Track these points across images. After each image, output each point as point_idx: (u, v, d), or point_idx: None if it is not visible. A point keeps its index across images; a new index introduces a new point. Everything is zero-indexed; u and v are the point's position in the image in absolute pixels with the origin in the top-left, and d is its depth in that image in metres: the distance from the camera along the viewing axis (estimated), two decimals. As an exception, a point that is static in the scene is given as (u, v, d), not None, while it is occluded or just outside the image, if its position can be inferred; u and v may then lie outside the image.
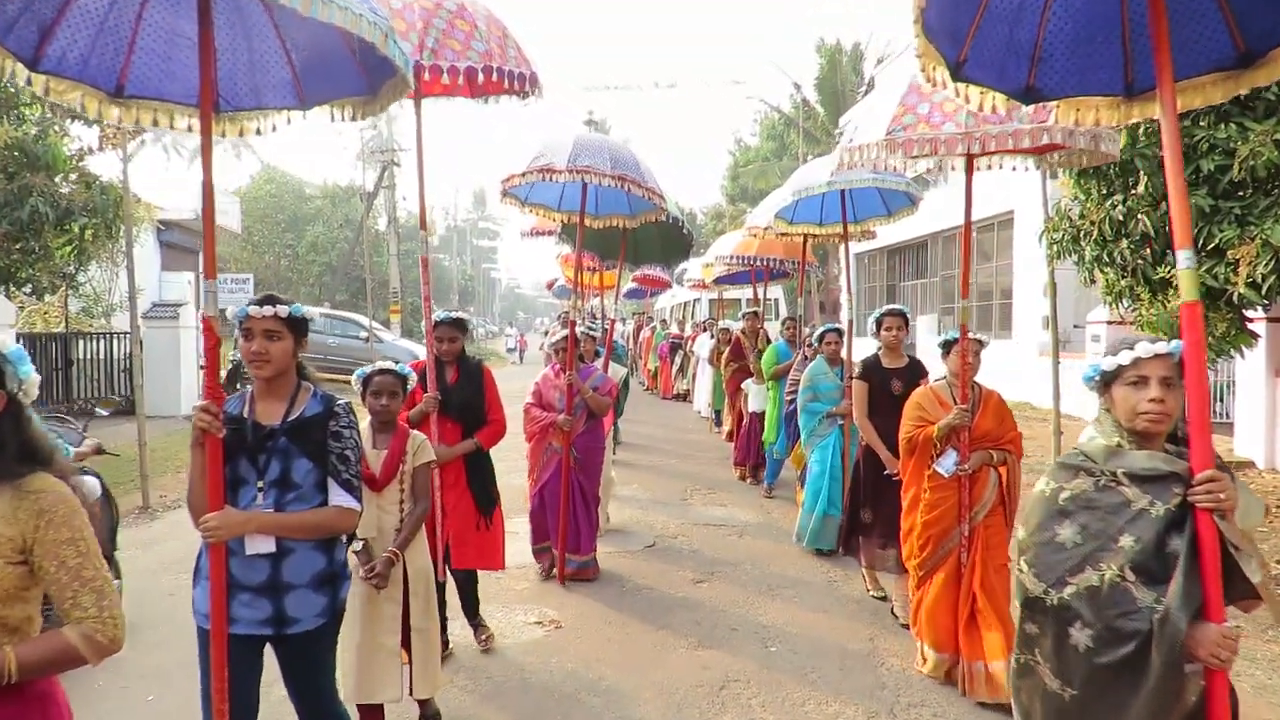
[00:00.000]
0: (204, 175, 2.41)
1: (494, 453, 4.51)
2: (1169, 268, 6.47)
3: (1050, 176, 7.73)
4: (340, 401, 2.56)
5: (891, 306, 5.10)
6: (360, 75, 2.73)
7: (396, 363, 3.61)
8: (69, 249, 10.93)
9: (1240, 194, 6.08)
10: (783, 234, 7.69)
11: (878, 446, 4.88)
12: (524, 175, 5.09)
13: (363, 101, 2.80)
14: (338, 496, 2.49)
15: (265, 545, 2.41)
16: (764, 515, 7.56)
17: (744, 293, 17.67)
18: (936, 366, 4.87)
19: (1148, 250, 6.69)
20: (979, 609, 3.95)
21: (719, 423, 12.56)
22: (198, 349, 14.81)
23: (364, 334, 19.09)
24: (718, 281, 12.68)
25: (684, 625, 4.84)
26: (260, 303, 2.45)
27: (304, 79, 2.83)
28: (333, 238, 36.10)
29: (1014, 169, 4.81)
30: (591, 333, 6.81)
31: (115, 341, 14.30)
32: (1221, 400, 14.41)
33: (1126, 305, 7.25)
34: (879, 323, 5.05)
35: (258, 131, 2.89)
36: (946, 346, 4.16)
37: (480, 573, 4.52)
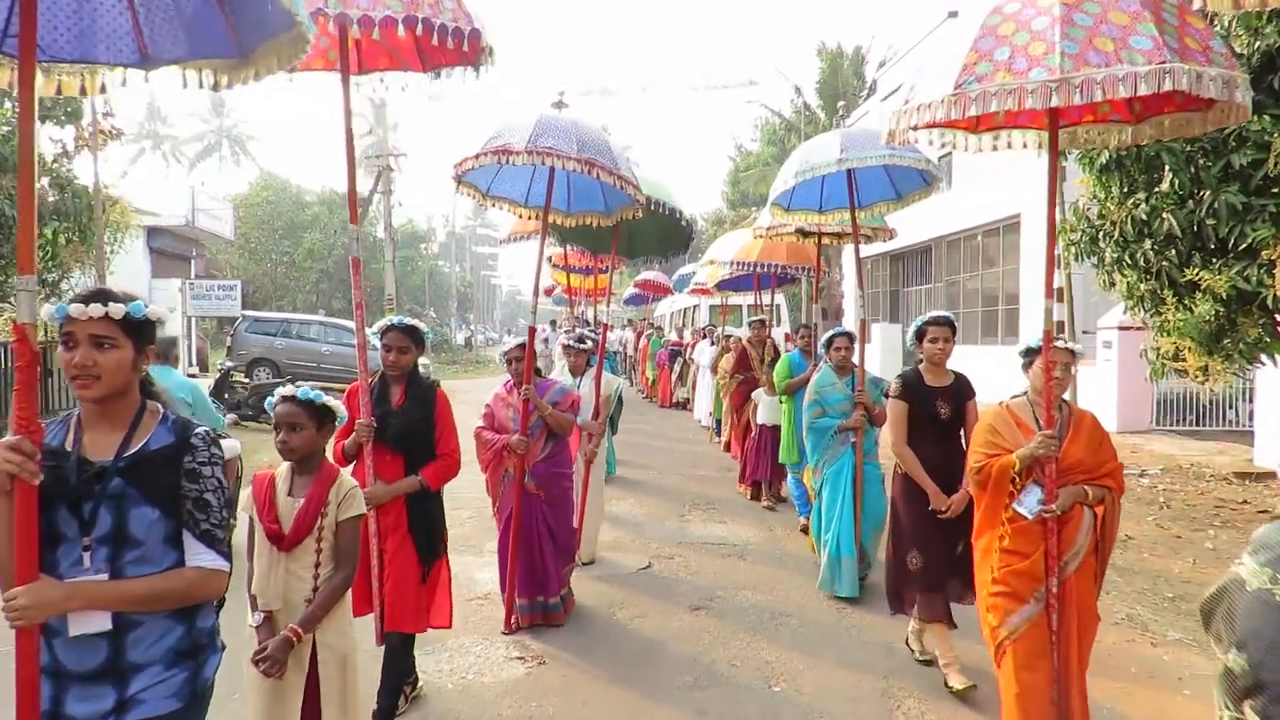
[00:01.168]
0: (20, 141, 1.91)
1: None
2: (1197, 269, 6.08)
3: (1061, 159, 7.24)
4: (199, 430, 1.99)
5: (937, 314, 4.27)
6: (227, 32, 2.27)
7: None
8: (41, 254, 10.54)
9: (1275, 190, 5.69)
10: (772, 231, 7.16)
11: (922, 480, 4.11)
12: (478, 158, 4.36)
13: (229, 66, 2.34)
14: (197, 554, 1.94)
15: (97, 623, 1.85)
16: (766, 533, 7.15)
17: (746, 299, 17.29)
18: (979, 383, 4.52)
19: (1173, 251, 6.31)
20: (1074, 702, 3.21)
21: (719, 431, 12.16)
22: (185, 358, 14.45)
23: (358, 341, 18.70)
24: (720, 286, 12.15)
25: (680, 661, 4.43)
26: (86, 299, 1.88)
27: (148, 30, 2.34)
28: (330, 244, 35.84)
29: (1033, 148, 3.92)
30: (579, 344, 6.09)
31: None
32: (1232, 408, 14.05)
33: (1148, 310, 6.86)
34: (921, 333, 4.26)
35: (82, 91, 2.40)
36: (1028, 356, 3.47)
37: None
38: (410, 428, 3.65)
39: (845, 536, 5.34)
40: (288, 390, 2.72)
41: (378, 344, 3.72)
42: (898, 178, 5.90)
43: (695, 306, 22.30)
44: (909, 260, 23.78)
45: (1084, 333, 16.00)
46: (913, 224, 17.65)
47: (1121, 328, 13.14)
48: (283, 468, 2.81)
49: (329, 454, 3.30)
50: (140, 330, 1.94)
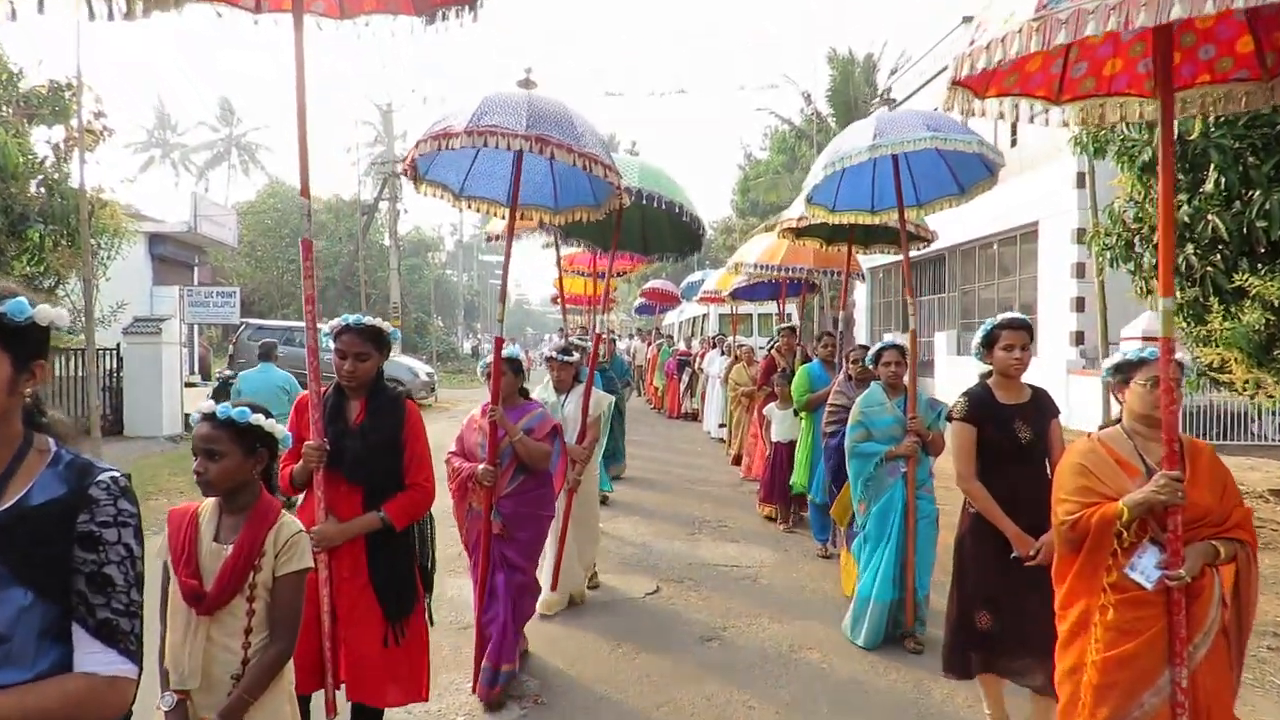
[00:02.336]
0: None
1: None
2: (1245, 275, 5.67)
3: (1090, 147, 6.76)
4: (104, 475, 1.48)
5: (1011, 316, 3.49)
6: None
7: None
8: (26, 258, 10.21)
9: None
10: (803, 222, 6.15)
11: (999, 519, 3.34)
12: (419, 145, 3.77)
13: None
14: (89, 655, 1.41)
15: None
16: (781, 553, 6.75)
17: (758, 308, 16.92)
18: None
19: (1219, 256, 5.91)
20: None
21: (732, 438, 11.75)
22: (183, 366, 14.13)
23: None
24: (734, 295, 11.59)
25: (691, 703, 4.02)
26: None
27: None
28: (336, 252, 35.62)
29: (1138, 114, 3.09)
30: (563, 357, 5.25)
31: (95, 358, 13.55)
32: (1256, 421, 13.59)
33: (1189, 318, 6.44)
34: (990, 339, 3.45)
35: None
36: (1121, 373, 2.72)
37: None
38: (371, 451, 2.97)
39: (884, 577, 4.62)
40: (207, 406, 2.19)
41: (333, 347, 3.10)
42: (958, 168, 5.16)
43: (704, 315, 21.94)
44: (922, 269, 23.35)
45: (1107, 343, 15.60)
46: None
47: (1145, 338, 12.67)
48: (208, 503, 2.25)
49: (283, 485, 2.89)
50: (21, 338, 1.44)
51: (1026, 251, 17.93)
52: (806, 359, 8.22)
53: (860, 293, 27.40)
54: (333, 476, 2.97)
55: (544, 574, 4.88)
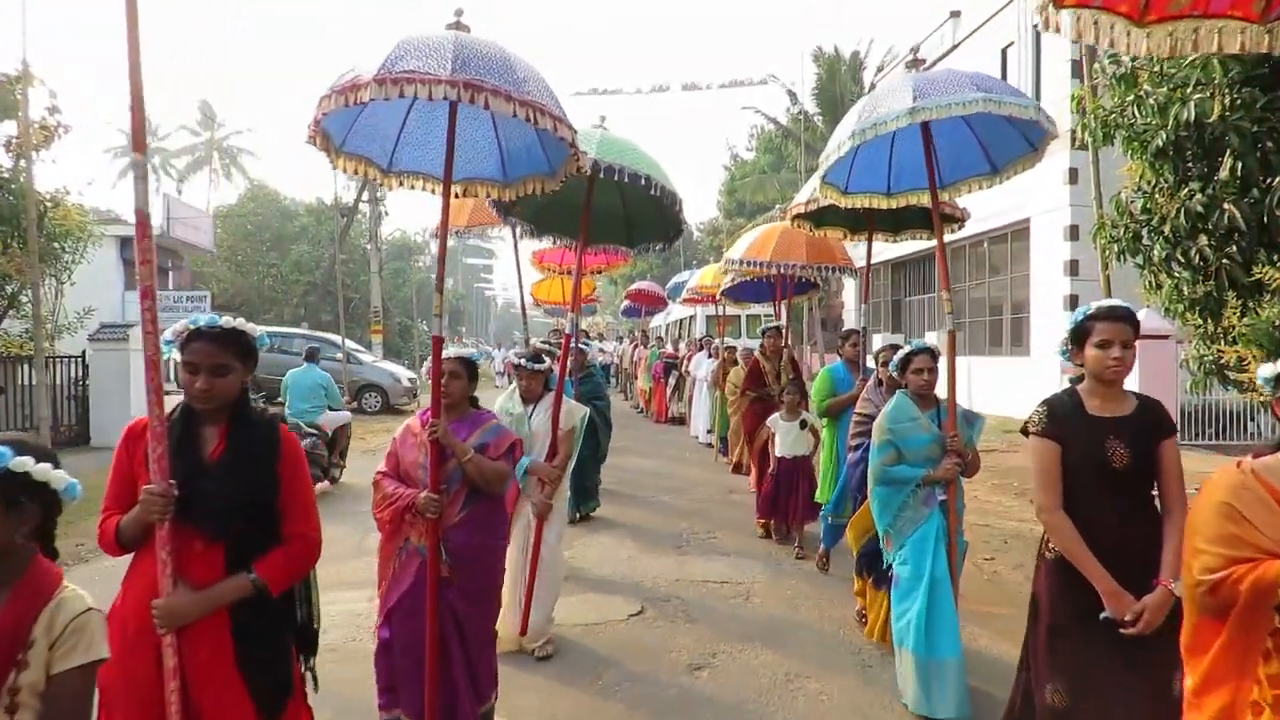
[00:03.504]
0: None
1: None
2: (1264, 267, 5.33)
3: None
4: None
5: (1111, 304, 2.70)
6: None
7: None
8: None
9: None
10: (812, 204, 5.37)
11: (1087, 566, 2.56)
12: (324, 102, 3.02)
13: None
14: None
15: None
16: (773, 566, 6.36)
17: (745, 310, 16.55)
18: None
19: (1234, 247, 5.57)
20: None
21: (726, 450, 11.34)
22: (163, 371, 13.63)
23: (340, 355, 17.88)
24: (727, 294, 10.95)
25: (678, 742, 3.63)
26: None
27: None
28: (318, 256, 35.09)
29: None
30: (532, 364, 4.54)
31: (59, 366, 13.05)
32: (1254, 420, 13.33)
33: (1201, 313, 6.09)
34: (1082, 331, 2.69)
35: None
36: None
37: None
38: (235, 495, 2.25)
39: (945, 631, 3.72)
40: None
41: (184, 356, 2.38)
42: (991, 142, 4.41)
43: (691, 317, 21.58)
44: (911, 269, 23.11)
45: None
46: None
47: (1144, 336, 12.37)
48: None
49: (104, 543, 2.28)
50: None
51: (1018, 249, 17.66)
52: (794, 363, 7.83)
53: (849, 292, 27.14)
54: (182, 530, 2.20)
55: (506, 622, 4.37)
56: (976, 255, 19.62)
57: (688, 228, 48.55)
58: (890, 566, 4.02)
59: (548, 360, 4.63)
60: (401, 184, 4.01)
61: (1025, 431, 2.81)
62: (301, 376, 9.14)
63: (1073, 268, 15.36)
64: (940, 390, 4.01)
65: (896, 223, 6.05)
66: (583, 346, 8.50)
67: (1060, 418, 2.72)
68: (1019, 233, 17.42)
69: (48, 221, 9.41)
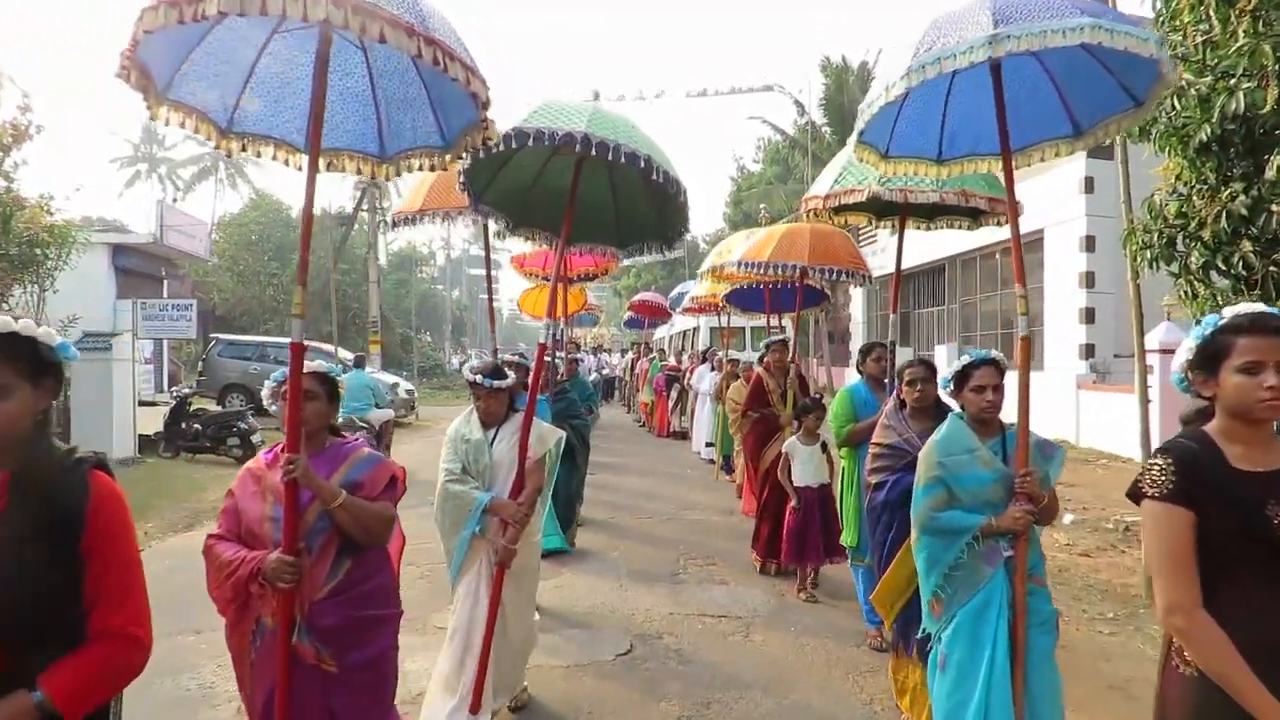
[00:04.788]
0: None
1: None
2: (1318, 276, 4.85)
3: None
4: None
5: (1257, 310, 1.91)
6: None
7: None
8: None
9: None
10: (831, 201, 4.63)
11: (1255, 700, 1.73)
12: (146, 16, 2.18)
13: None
14: None
15: None
16: (775, 598, 5.86)
17: (751, 321, 16.07)
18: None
19: (1282, 254, 5.08)
20: None
21: (729, 468, 10.82)
22: (134, 383, 13.21)
23: (339, 366, 17.45)
24: (729, 300, 9.92)
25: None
26: None
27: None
28: (320, 266, 34.75)
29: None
30: (491, 380, 3.72)
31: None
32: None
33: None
34: (1218, 350, 1.92)
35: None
36: None
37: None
38: (15, 570, 1.54)
39: None
40: None
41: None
42: (1076, 94, 3.32)
43: (695, 329, 21.13)
44: (920, 280, 22.61)
45: (1115, 356, 14.80)
46: (923, 242, 16.51)
47: (1163, 350, 11.90)
48: None
49: None
50: None
51: (1031, 261, 17.16)
52: (802, 380, 6.97)
53: (857, 303, 26.66)
54: None
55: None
56: (988, 267, 19.16)
57: (691, 238, 48.17)
58: (934, 639, 3.09)
59: (512, 375, 3.86)
60: (245, 149, 3.07)
61: (1137, 494, 2.00)
62: (351, 380, 10.70)
63: (1089, 280, 14.88)
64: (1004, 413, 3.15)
65: (932, 207, 5.06)
66: (571, 358, 7.96)
67: (1194, 475, 1.88)
68: (1032, 244, 16.93)
69: (13, 224, 8.97)
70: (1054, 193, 15.06)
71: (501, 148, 3.33)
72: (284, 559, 2.41)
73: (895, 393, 4.05)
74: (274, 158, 3.11)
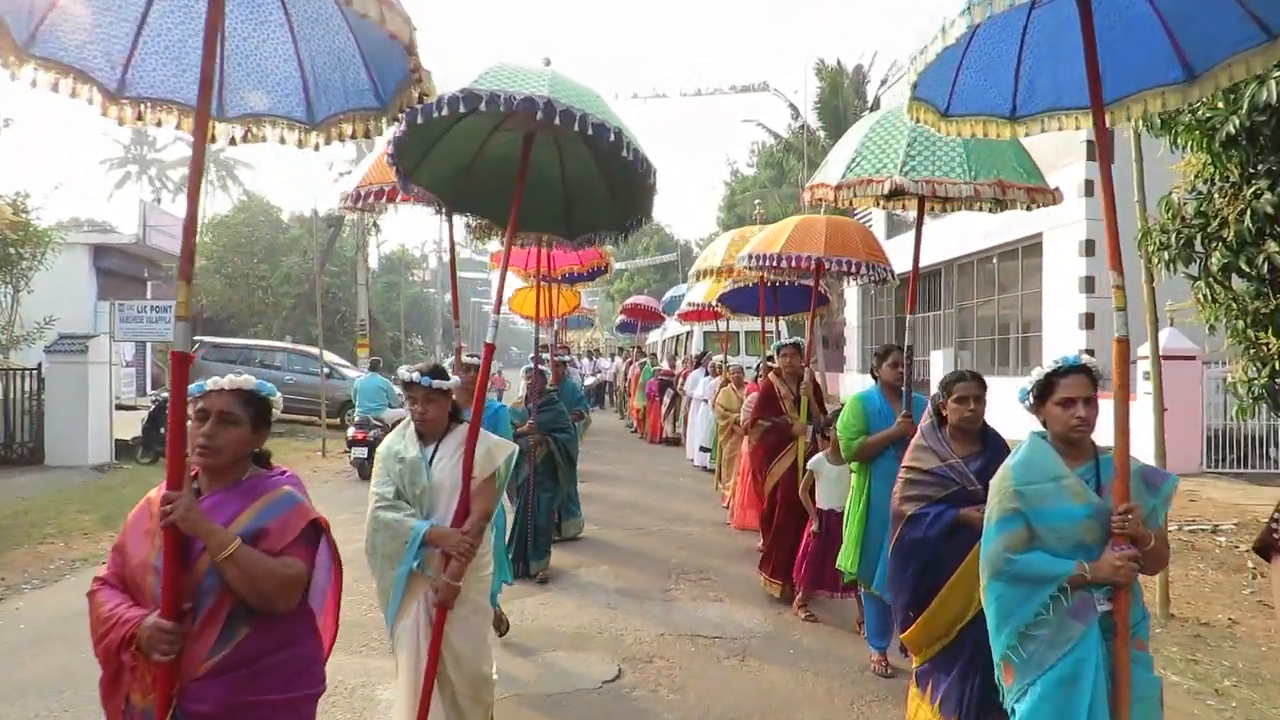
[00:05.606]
0: None
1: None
2: (1348, 279, 4.57)
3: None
4: None
5: None
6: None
7: None
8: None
9: None
10: (847, 189, 4.12)
11: None
12: None
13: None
14: None
15: None
16: (772, 616, 5.55)
17: (746, 325, 15.77)
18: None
19: (1311, 256, 4.80)
20: None
21: (725, 477, 10.49)
22: (111, 387, 12.84)
23: (326, 369, 16.99)
24: (722, 300, 9.34)
25: None
26: None
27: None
28: (308, 269, 34.38)
29: None
30: (433, 382, 3.12)
31: (13, 379, 12.26)
32: (1276, 445, 12.57)
33: (1271, 332, 5.31)
34: None
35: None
36: None
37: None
38: None
39: None
40: None
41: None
42: (1186, 31, 2.67)
43: (688, 333, 20.83)
44: (917, 284, 22.34)
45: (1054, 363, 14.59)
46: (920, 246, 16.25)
47: (1167, 356, 11.66)
48: None
49: None
50: None
51: (1029, 266, 16.95)
52: (816, 387, 6.21)
53: (852, 308, 26.41)
54: None
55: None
56: (985, 271, 18.93)
57: (685, 242, 47.83)
58: (1010, 713, 2.52)
59: (454, 379, 3.24)
60: (142, 118, 2.56)
61: (1266, 548, 1.76)
62: (366, 382, 12.97)
63: (1088, 284, 14.65)
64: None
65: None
66: (560, 360, 7.55)
67: None
68: (1031, 248, 16.72)
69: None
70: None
71: (446, 111, 2.82)
72: (160, 624, 1.93)
73: (931, 407, 3.41)
74: (178, 127, 2.59)
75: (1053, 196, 4.18)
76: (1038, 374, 2.56)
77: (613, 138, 2.95)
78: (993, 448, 3.21)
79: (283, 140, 2.71)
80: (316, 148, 2.75)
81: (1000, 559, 2.46)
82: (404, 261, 51.36)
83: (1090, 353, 15.03)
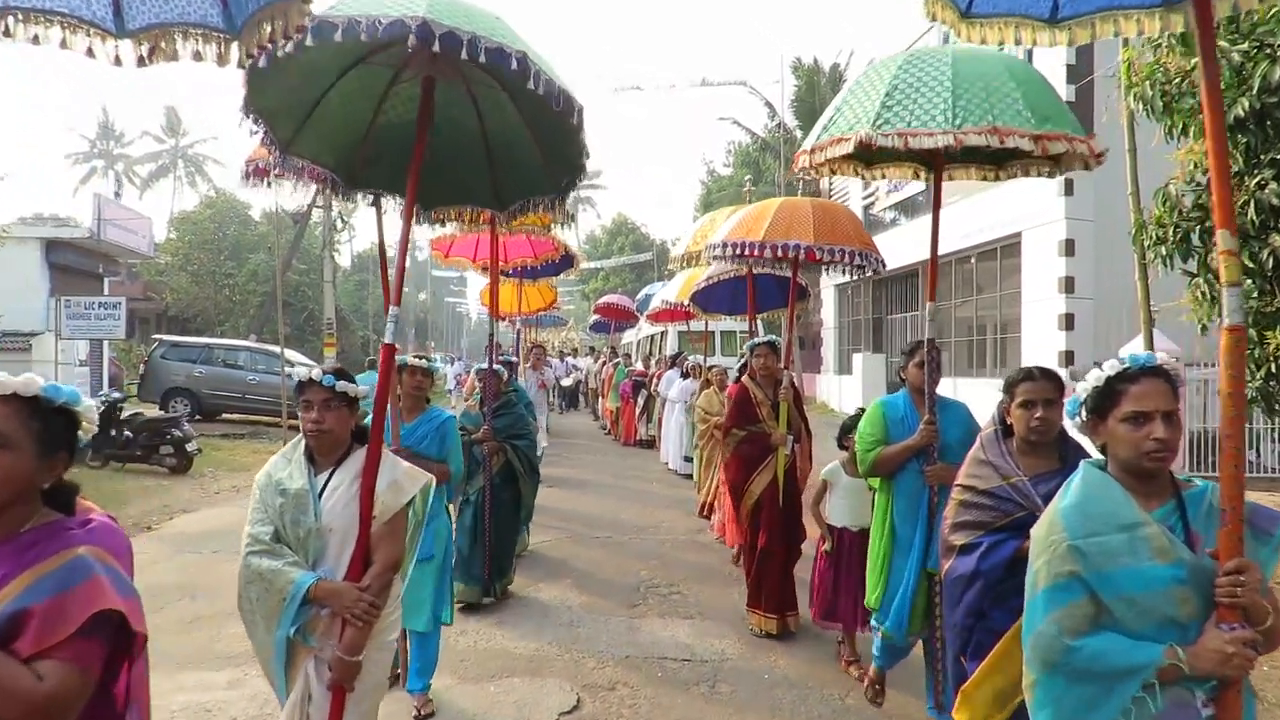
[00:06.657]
0: None
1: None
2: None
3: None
4: None
5: None
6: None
7: None
8: None
9: None
10: (828, 164, 3.53)
11: None
12: None
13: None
14: None
15: None
16: (745, 635, 5.16)
17: (721, 324, 15.35)
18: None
19: (1319, 250, 4.51)
20: None
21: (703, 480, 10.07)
22: (92, 382, 12.25)
23: (289, 368, 16.43)
24: (694, 300, 8.53)
25: None
26: None
27: None
28: (275, 266, 33.68)
29: None
30: (328, 380, 2.50)
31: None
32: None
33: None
34: None
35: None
36: None
37: None
38: None
39: None
40: None
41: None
42: None
43: (662, 333, 20.45)
44: (892, 286, 22.20)
45: (1096, 364, 14.40)
46: (896, 246, 16.08)
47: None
48: None
49: None
50: None
51: (1008, 266, 16.76)
52: (796, 391, 5.50)
53: (829, 307, 26.17)
54: None
55: None
56: (963, 272, 18.75)
57: (662, 242, 47.39)
58: None
59: (359, 386, 2.57)
60: (156, 53, 1.98)
61: None
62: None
63: (1068, 285, 14.46)
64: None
65: (968, 151, 3.69)
66: (506, 360, 6.89)
67: None
68: (1009, 248, 16.53)
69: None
70: (1033, 196, 14.61)
71: (291, 49, 2.21)
72: None
73: (997, 414, 2.72)
74: (196, 57, 1.99)
75: (1088, 147, 3.26)
76: (1095, 378, 1.89)
77: (515, 64, 2.32)
78: (1074, 465, 2.23)
79: (199, 56, 2.03)
80: (240, 64, 2.06)
81: (1055, 646, 1.76)
82: (375, 260, 50.55)
83: (1070, 354, 14.85)
